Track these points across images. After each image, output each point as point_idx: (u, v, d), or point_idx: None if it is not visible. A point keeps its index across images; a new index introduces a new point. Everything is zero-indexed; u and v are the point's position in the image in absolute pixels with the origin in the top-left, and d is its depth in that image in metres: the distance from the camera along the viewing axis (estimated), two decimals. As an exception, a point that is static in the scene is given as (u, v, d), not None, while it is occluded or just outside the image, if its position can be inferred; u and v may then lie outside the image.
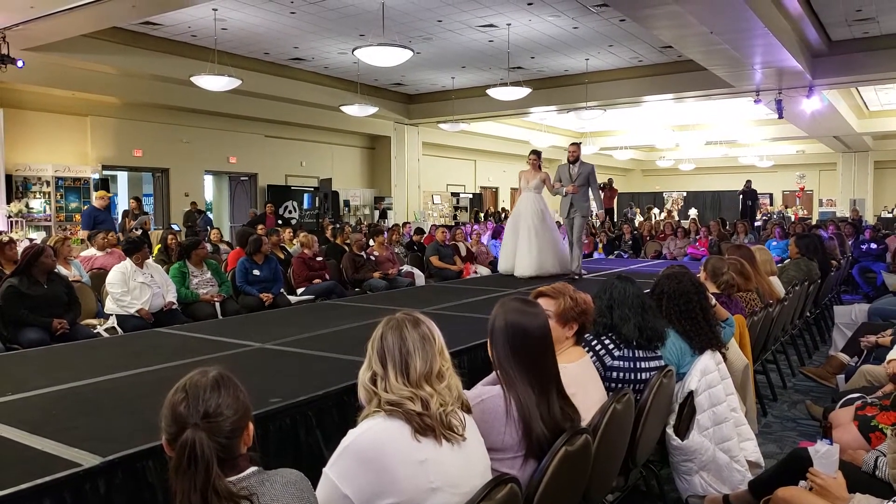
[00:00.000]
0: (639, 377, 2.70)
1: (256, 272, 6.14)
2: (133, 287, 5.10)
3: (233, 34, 11.84)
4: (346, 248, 8.49)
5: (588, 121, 17.04)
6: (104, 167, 13.52)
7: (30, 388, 2.99)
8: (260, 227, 9.75)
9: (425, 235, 11.18)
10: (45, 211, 11.97)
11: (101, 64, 11.67)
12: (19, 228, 10.37)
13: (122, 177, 16.08)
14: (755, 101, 13.72)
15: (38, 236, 10.12)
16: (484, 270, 9.49)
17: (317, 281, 7.15)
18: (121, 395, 3.01)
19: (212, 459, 1.30)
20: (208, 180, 16.39)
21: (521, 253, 7.16)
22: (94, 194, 10.51)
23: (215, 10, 10.38)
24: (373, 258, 8.19)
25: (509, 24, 11.44)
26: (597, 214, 7.55)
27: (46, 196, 12.02)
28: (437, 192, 20.29)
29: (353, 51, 10.67)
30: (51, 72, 11.37)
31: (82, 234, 11.02)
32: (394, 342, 1.73)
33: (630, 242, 12.82)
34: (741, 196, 18.06)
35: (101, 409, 2.75)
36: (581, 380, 2.36)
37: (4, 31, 9.58)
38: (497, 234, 11.61)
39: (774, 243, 10.33)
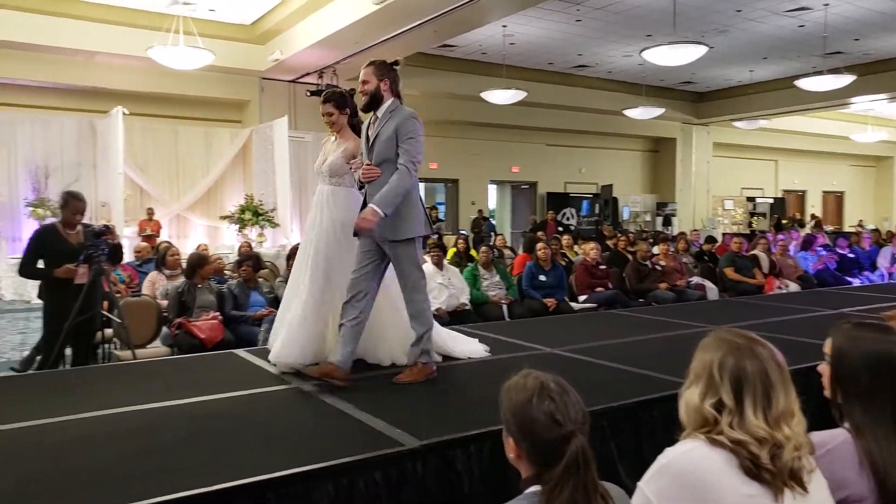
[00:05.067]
0: None
1: (542, 277, 6.24)
2: (432, 287, 5.55)
3: (520, 48, 12.31)
4: (630, 256, 8.17)
5: (931, 108, 13.97)
6: (407, 179, 15.16)
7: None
8: (541, 233, 9.94)
9: (718, 244, 10.23)
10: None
11: (406, 88, 12.98)
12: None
13: (419, 188, 17.87)
14: None
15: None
16: (793, 286, 8.32)
17: (599, 289, 7.00)
18: (431, 384, 3.24)
19: (593, 461, 1.38)
20: (492, 189, 17.32)
21: (293, 314, 3.34)
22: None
23: (504, 26, 10.91)
24: (658, 268, 7.74)
25: (826, 5, 9.93)
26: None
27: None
28: (728, 196, 18.55)
29: (641, 52, 10.29)
30: (367, 98, 13.11)
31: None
32: (753, 371, 1.49)
33: None
34: None
35: (415, 396, 3.01)
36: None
37: (335, 65, 11.33)
38: (808, 245, 10.09)
39: None
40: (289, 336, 3.25)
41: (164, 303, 5.00)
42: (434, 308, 5.53)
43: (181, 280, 5.07)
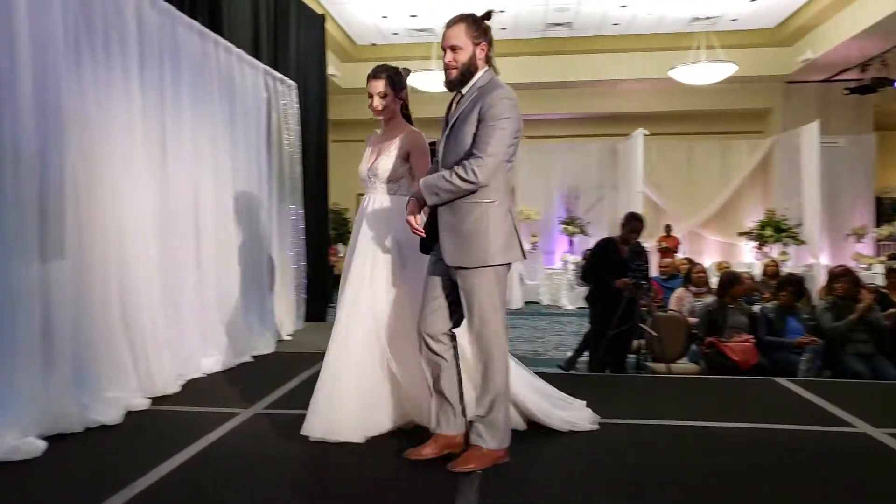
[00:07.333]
0: None
1: None
2: None
3: None
4: None
5: None
6: None
7: None
8: None
9: None
10: (910, 235, 11.18)
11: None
12: (886, 252, 10.03)
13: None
14: None
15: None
16: None
17: None
18: None
19: None
20: None
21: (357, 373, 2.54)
22: None
23: None
24: None
25: None
26: None
27: (915, 219, 11.22)
28: None
29: None
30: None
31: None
32: None
33: None
34: None
35: None
36: None
37: (883, 55, 9.49)
38: None
39: None
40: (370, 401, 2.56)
41: (692, 320, 4.88)
42: None
43: (710, 298, 4.87)
